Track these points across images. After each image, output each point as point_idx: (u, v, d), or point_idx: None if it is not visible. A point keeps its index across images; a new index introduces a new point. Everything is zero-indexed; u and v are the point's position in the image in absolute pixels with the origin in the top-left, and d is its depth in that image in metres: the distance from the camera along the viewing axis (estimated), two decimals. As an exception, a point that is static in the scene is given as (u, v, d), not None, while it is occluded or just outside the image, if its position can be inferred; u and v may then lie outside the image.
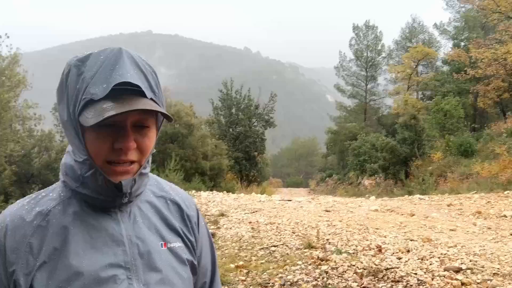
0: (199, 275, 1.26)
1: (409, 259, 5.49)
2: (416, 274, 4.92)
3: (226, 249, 6.58)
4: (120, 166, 1.03)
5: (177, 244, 1.16)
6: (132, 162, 1.04)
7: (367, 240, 6.59)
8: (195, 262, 1.21)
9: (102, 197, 1.06)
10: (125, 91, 0.99)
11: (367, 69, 40.15)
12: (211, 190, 16.32)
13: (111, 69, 0.98)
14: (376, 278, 4.90)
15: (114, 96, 0.98)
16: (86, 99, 0.98)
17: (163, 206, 1.20)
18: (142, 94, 1.01)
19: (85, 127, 1.00)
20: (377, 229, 7.51)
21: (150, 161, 1.13)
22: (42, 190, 1.13)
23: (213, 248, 1.35)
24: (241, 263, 5.74)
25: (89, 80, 0.99)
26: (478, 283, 4.60)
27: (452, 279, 4.70)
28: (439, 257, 5.52)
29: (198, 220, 1.28)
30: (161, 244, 1.12)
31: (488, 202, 10.44)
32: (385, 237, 6.84)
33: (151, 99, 1.03)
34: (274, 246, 6.52)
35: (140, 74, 1.02)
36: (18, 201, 1.10)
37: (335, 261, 5.51)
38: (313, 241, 6.46)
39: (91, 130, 1.00)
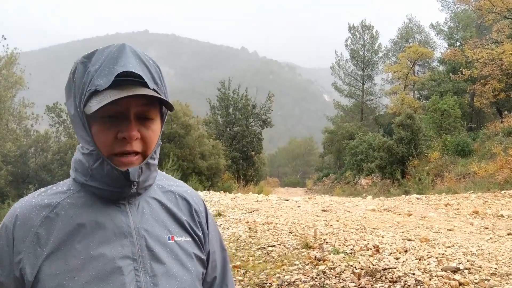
0: (208, 270, 1.28)
1: (406, 259, 5.49)
2: (414, 274, 4.92)
3: (223, 249, 6.55)
4: (125, 157, 1.05)
5: (184, 238, 1.18)
6: (136, 153, 1.06)
7: (364, 240, 6.58)
8: (203, 257, 1.23)
9: (110, 189, 1.08)
10: (129, 82, 1.03)
11: (364, 69, 40.20)
12: (208, 189, 16.33)
13: (114, 62, 1.02)
14: (374, 278, 4.89)
15: (117, 86, 1.01)
16: (91, 90, 1.01)
17: (171, 201, 1.22)
18: (145, 85, 1.04)
19: (91, 120, 1.04)
20: (374, 229, 7.50)
21: (158, 153, 1.15)
22: (52, 185, 1.16)
23: (223, 244, 1.37)
24: (238, 263, 5.72)
25: (93, 73, 1.02)
26: (475, 283, 4.60)
27: (449, 279, 4.70)
28: (436, 257, 5.52)
29: (207, 216, 1.31)
30: (169, 237, 1.14)
31: (485, 201, 10.46)
32: (382, 237, 6.83)
33: (154, 90, 1.05)
34: (272, 246, 6.51)
35: (143, 66, 1.06)
36: (29, 194, 1.13)
37: (332, 261, 5.50)
38: (311, 241, 6.45)
39: (96, 122, 1.04)
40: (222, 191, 15.36)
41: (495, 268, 5.07)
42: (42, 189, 1.14)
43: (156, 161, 1.15)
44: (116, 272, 1.02)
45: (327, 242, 6.45)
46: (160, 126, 1.13)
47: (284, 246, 6.46)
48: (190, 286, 1.13)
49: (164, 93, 1.10)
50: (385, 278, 4.87)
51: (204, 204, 1.33)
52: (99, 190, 1.08)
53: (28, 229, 1.04)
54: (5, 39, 17.61)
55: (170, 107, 1.08)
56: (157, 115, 1.11)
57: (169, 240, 1.14)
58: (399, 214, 9.43)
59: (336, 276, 5.01)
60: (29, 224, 1.04)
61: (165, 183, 1.25)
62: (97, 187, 1.08)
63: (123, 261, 1.04)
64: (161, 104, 1.11)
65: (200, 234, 1.24)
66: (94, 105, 0.99)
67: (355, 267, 5.25)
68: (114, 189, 1.07)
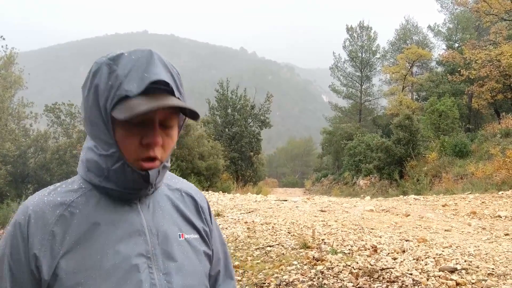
0: (213, 264, 1.32)
1: (404, 260, 5.51)
2: (411, 274, 4.95)
3: (222, 249, 6.57)
4: (148, 162, 1.07)
5: (193, 235, 1.21)
6: (157, 158, 1.08)
7: (362, 240, 6.61)
8: (210, 253, 1.27)
9: (126, 190, 1.09)
10: (156, 89, 1.04)
11: (362, 70, 40.23)
12: (207, 190, 16.35)
13: (144, 68, 1.03)
14: (372, 278, 4.92)
15: (145, 93, 1.02)
16: (121, 95, 1.02)
17: (179, 199, 1.25)
18: (170, 93, 1.06)
19: (115, 123, 1.04)
20: (372, 229, 7.53)
21: (169, 156, 1.18)
22: (61, 183, 1.16)
23: (222, 238, 1.40)
24: (236, 263, 5.74)
25: (123, 77, 1.02)
26: (472, 283, 4.63)
27: (447, 279, 4.73)
28: (434, 258, 5.55)
29: (210, 212, 1.34)
30: (179, 235, 1.17)
31: (483, 202, 10.49)
32: (380, 237, 6.86)
33: (178, 98, 1.08)
34: (270, 246, 6.53)
35: (169, 74, 1.07)
36: (37, 192, 1.12)
37: (330, 261, 5.52)
38: (309, 241, 6.48)
39: (121, 126, 1.04)
40: (220, 192, 15.38)
41: (492, 269, 5.10)
42: (51, 187, 1.13)
43: (169, 164, 1.17)
44: (132, 270, 1.05)
45: (325, 242, 6.48)
46: (178, 132, 1.15)
47: (283, 246, 6.48)
48: (200, 283, 1.16)
49: (185, 101, 1.12)
50: (383, 278, 4.90)
51: (207, 201, 1.36)
52: (113, 191, 1.10)
53: (43, 227, 1.04)
54: (4, 39, 17.57)
55: (195, 116, 1.09)
56: (176, 122, 1.13)
57: (180, 237, 1.16)
58: (397, 215, 9.46)
59: (334, 276, 5.03)
60: (44, 222, 1.04)
61: (170, 181, 1.28)
62: (111, 188, 1.09)
63: (138, 259, 1.07)
64: (179, 112, 1.13)
65: (207, 229, 1.27)
66: (125, 112, 1.00)
67: (353, 267, 5.28)
68: (130, 190, 1.10)
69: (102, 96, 1.04)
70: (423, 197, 12.46)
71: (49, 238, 1.03)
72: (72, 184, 1.14)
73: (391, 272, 5.03)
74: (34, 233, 1.03)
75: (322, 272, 5.17)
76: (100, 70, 1.05)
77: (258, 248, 6.45)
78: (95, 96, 1.05)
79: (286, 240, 6.79)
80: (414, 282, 4.71)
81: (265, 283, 4.96)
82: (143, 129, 1.05)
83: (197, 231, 1.23)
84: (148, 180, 1.08)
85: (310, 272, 5.20)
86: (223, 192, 15.10)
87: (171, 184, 1.27)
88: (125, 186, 1.08)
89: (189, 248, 1.17)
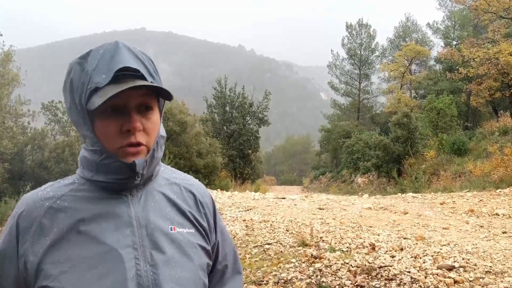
0: (219, 259, 1.34)
1: (402, 257, 5.53)
2: (409, 272, 4.96)
3: (220, 247, 6.57)
4: (133, 147, 1.08)
5: (187, 229, 1.20)
6: (141, 144, 1.09)
7: (360, 238, 6.62)
8: (209, 248, 1.26)
9: (115, 181, 1.11)
10: (125, 76, 1.06)
11: (361, 68, 40.19)
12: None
13: (110, 59, 1.06)
14: (370, 276, 4.93)
15: (115, 82, 1.04)
16: (91, 88, 1.05)
17: (176, 193, 1.25)
18: (141, 78, 1.08)
19: (94, 117, 1.08)
20: (370, 227, 7.54)
21: (163, 146, 1.19)
22: (59, 180, 1.20)
23: (228, 234, 1.42)
24: (235, 261, 5.74)
25: (92, 72, 1.06)
26: (470, 281, 4.64)
27: (445, 277, 4.74)
28: (432, 255, 5.56)
29: (214, 208, 1.35)
30: (171, 228, 1.17)
31: (481, 200, 10.51)
32: (378, 235, 6.87)
33: (151, 83, 1.08)
34: (268, 244, 6.53)
35: (138, 61, 1.09)
36: (38, 187, 1.17)
37: (328, 259, 5.53)
38: (307, 239, 6.49)
39: (99, 117, 1.07)
40: (219, 189, 15.38)
41: (490, 266, 5.11)
42: (49, 183, 1.18)
43: (160, 154, 1.17)
44: (117, 260, 1.05)
45: (323, 240, 6.49)
46: (159, 116, 1.16)
47: (281, 244, 6.49)
48: (193, 276, 1.15)
49: (160, 85, 1.12)
50: (381, 276, 4.91)
51: (211, 196, 1.36)
52: (104, 184, 1.12)
53: (32, 220, 1.08)
54: (1, 35, 17.48)
55: (169, 95, 1.11)
56: (156, 105, 1.14)
57: (171, 230, 1.16)
58: (395, 213, 9.47)
59: (332, 274, 5.04)
60: (34, 215, 1.08)
61: (170, 175, 1.28)
62: (102, 181, 1.11)
63: (124, 249, 1.07)
64: (158, 96, 1.15)
65: (205, 225, 1.26)
66: (97, 100, 1.02)
67: (351, 265, 5.29)
68: (118, 181, 1.11)
69: (76, 94, 1.09)
70: (421, 195, 12.47)
71: (37, 229, 1.07)
72: (68, 179, 1.18)
73: (389, 270, 5.04)
74: (24, 225, 1.08)
75: (320, 270, 5.18)
76: (72, 70, 1.10)
77: (256, 246, 6.45)
78: (71, 96, 1.10)
79: (285, 238, 6.80)
80: (412, 280, 4.72)
81: (263, 281, 4.96)
82: (120, 117, 1.07)
83: (193, 225, 1.23)
84: (134, 169, 1.08)
85: (309, 270, 5.20)
86: (221, 190, 15.10)
87: (170, 178, 1.28)
88: (114, 177, 1.10)
89: (181, 242, 1.16)
